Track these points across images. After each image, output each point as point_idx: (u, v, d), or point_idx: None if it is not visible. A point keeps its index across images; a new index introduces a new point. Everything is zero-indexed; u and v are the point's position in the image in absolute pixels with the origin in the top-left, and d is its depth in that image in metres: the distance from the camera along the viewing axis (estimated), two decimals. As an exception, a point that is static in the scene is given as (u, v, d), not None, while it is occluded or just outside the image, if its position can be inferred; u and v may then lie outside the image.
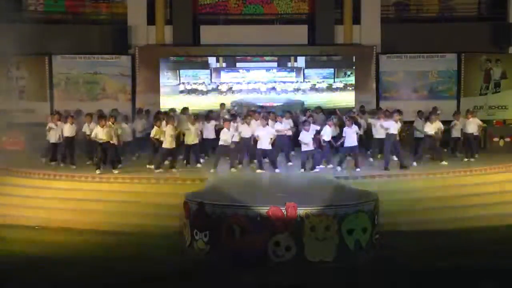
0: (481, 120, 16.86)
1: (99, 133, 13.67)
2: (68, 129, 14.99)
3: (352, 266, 9.17)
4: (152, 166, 14.10)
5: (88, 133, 14.82)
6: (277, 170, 13.91)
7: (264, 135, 13.83)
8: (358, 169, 13.95)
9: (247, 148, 14.62)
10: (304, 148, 13.89)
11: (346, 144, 14.10)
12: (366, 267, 9.20)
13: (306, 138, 13.82)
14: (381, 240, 10.03)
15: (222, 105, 18.22)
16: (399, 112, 14.79)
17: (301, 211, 9.25)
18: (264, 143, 13.84)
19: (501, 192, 13.29)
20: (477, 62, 20.13)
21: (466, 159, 15.47)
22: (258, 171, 13.93)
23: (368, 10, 20.38)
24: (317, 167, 13.97)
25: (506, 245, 10.63)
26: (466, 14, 21.28)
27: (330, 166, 14.43)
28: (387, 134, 14.19)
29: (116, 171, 13.65)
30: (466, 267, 9.23)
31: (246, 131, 14.38)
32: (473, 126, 15.80)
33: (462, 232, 11.35)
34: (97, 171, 13.63)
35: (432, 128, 14.87)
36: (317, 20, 20.48)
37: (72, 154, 15.01)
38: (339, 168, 14.06)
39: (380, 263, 9.43)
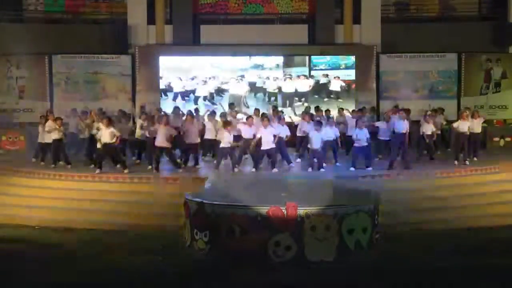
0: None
1: (104, 134, 13.68)
2: (55, 132, 14.77)
3: (352, 266, 9.17)
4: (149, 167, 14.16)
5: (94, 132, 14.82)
6: (274, 170, 13.92)
7: (267, 135, 13.85)
8: (369, 169, 13.97)
9: (247, 148, 14.62)
10: (313, 146, 13.94)
11: (356, 144, 14.18)
12: (366, 267, 9.20)
13: (316, 138, 13.88)
14: (381, 240, 10.03)
15: (232, 105, 18.18)
16: (406, 111, 15.12)
17: (302, 211, 9.25)
18: (268, 143, 13.86)
19: (501, 192, 13.28)
20: (477, 62, 20.13)
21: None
22: (253, 170, 13.98)
23: (368, 10, 20.35)
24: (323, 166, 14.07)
25: (506, 245, 10.62)
26: (467, 14, 21.25)
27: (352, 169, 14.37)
28: (396, 134, 14.25)
29: (126, 171, 13.67)
30: (466, 267, 9.23)
31: (247, 132, 14.38)
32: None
33: (462, 232, 11.35)
34: (97, 171, 13.63)
35: (428, 127, 15.20)
36: (317, 19, 20.45)
37: (63, 155, 14.93)
38: (352, 168, 14.07)
39: (380, 263, 9.42)
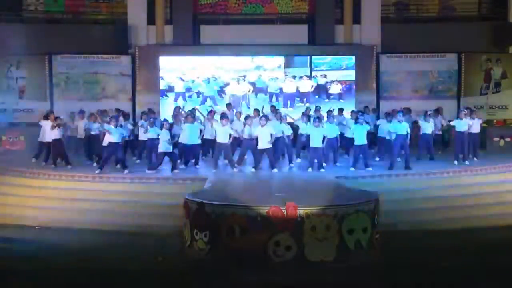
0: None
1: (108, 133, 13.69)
2: (55, 131, 14.76)
3: (352, 266, 9.17)
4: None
5: (93, 132, 14.88)
6: (274, 170, 13.91)
7: (264, 135, 13.83)
8: (369, 169, 13.97)
9: (248, 148, 14.63)
10: (312, 146, 13.92)
11: (356, 143, 14.16)
12: (366, 267, 9.20)
13: (316, 135, 13.85)
14: (381, 240, 10.02)
15: (229, 105, 18.15)
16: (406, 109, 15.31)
17: (302, 211, 9.25)
18: (264, 143, 13.84)
19: (501, 192, 13.28)
20: (477, 62, 20.10)
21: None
22: (252, 170, 13.99)
23: (368, 10, 20.34)
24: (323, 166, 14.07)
25: (506, 245, 10.63)
26: (467, 14, 21.25)
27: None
28: (397, 135, 14.26)
29: (126, 171, 13.68)
30: (466, 267, 9.23)
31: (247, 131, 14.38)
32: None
33: (462, 232, 11.36)
34: (97, 171, 13.63)
35: (429, 127, 15.26)
36: (317, 19, 20.45)
37: (63, 155, 14.94)
38: (352, 168, 14.08)
39: (380, 263, 9.42)
